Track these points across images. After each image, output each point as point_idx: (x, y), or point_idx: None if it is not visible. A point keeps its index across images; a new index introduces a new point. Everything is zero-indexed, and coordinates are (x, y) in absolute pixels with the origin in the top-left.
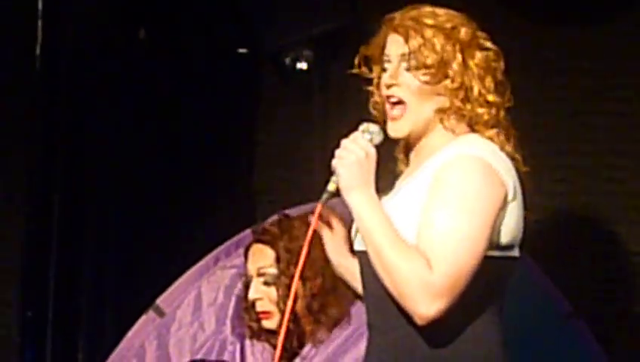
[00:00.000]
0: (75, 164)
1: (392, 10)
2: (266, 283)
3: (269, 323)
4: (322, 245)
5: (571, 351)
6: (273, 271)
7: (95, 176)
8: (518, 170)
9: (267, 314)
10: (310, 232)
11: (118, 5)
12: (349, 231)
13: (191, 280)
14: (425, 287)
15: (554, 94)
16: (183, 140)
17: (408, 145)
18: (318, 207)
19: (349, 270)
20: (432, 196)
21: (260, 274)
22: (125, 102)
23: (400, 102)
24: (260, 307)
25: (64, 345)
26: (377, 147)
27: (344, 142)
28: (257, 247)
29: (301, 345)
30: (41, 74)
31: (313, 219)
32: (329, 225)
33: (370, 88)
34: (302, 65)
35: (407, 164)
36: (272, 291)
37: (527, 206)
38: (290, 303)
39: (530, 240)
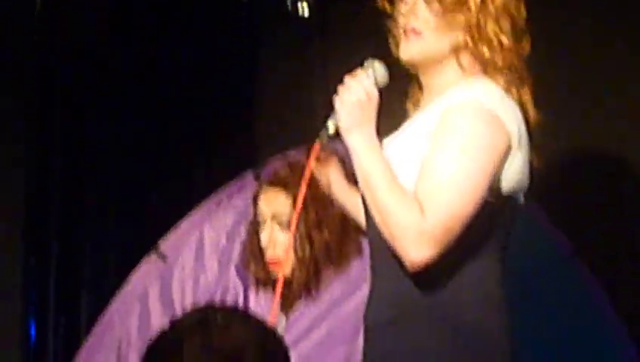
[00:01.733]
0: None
1: None
2: (281, 226)
3: (278, 272)
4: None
5: (572, 290)
6: (289, 214)
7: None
8: (527, 118)
9: (277, 263)
10: (308, 170)
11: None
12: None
13: (193, 224)
14: (417, 233)
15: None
16: (184, 85)
17: (420, 84)
18: (316, 145)
19: (350, 201)
20: (434, 144)
21: (274, 218)
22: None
23: (415, 33)
24: (270, 255)
25: (67, 290)
26: (380, 91)
27: (347, 80)
28: (270, 192)
29: (309, 291)
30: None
31: (311, 156)
32: (325, 161)
33: (390, 23)
34: (302, 9)
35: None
36: (285, 237)
37: (537, 152)
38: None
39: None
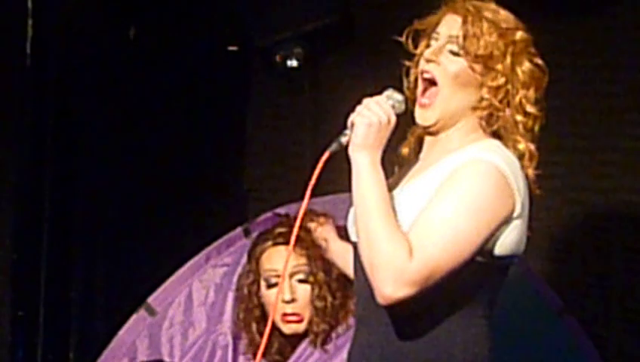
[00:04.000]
0: (65, 163)
1: (383, 8)
2: (300, 281)
3: (294, 327)
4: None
5: (563, 348)
6: (306, 268)
7: (85, 175)
8: (530, 189)
9: (299, 316)
10: (310, 188)
11: (108, 3)
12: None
13: (182, 279)
14: (399, 271)
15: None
16: (172, 138)
17: (427, 132)
18: (325, 155)
19: (339, 253)
20: (437, 194)
21: (294, 273)
22: (115, 100)
23: (433, 83)
24: (290, 309)
25: (55, 345)
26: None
27: (368, 101)
28: (278, 250)
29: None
30: (31, 72)
31: (314, 174)
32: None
33: (409, 64)
34: (292, 63)
35: (418, 150)
36: (306, 291)
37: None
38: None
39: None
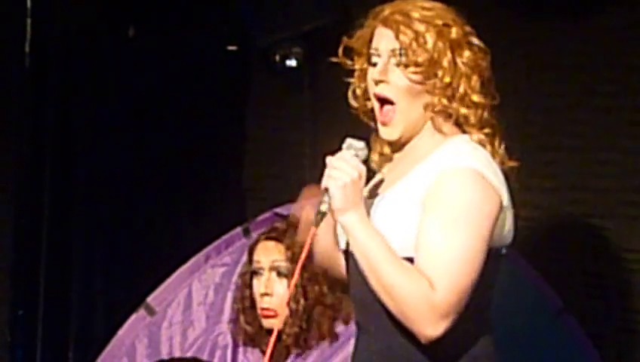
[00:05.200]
0: (64, 163)
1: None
2: (279, 276)
3: (270, 322)
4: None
5: (562, 347)
6: (286, 264)
7: (84, 175)
8: (505, 172)
9: (272, 312)
10: (304, 254)
11: (107, 3)
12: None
13: (181, 279)
14: (431, 309)
15: (542, 90)
16: (172, 138)
17: (393, 143)
18: (312, 230)
19: (334, 265)
20: (428, 212)
21: (273, 268)
22: (114, 100)
23: (388, 102)
24: (266, 303)
25: (55, 345)
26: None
27: (333, 161)
28: (267, 244)
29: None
30: (30, 71)
31: (307, 242)
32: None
33: (352, 80)
34: (291, 62)
35: (388, 159)
36: (283, 287)
37: (514, 204)
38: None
39: (521, 238)
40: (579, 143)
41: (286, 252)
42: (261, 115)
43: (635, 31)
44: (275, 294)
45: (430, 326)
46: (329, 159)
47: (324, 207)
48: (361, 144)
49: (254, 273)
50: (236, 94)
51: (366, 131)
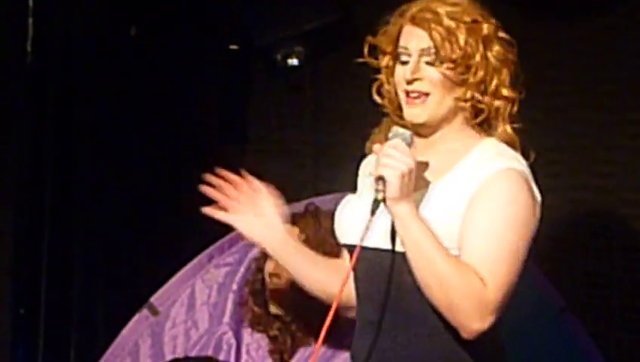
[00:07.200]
0: (65, 162)
1: (383, 6)
2: (271, 276)
3: (276, 307)
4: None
5: (564, 345)
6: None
7: (86, 174)
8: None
9: (279, 292)
10: (349, 270)
11: (109, 2)
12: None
13: (184, 279)
14: (481, 304)
15: (544, 89)
16: (173, 137)
17: (418, 134)
18: (358, 247)
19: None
20: (480, 210)
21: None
22: (115, 99)
23: (424, 95)
24: (273, 285)
25: (56, 344)
26: None
27: (387, 149)
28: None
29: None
30: (32, 70)
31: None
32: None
33: (380, 77)
34: (293, 61)
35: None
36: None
37: None
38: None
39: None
40: (579, 143)
41: (299, 235)
42: (262, 114)
43: (635, 31)
44: (282, 274)
45: (478, 321)
46: (378, 147)
47: (379, 196)
48: (406, 131)
49: (268, 256)
50: (237, 93)
51: (366, 131)
